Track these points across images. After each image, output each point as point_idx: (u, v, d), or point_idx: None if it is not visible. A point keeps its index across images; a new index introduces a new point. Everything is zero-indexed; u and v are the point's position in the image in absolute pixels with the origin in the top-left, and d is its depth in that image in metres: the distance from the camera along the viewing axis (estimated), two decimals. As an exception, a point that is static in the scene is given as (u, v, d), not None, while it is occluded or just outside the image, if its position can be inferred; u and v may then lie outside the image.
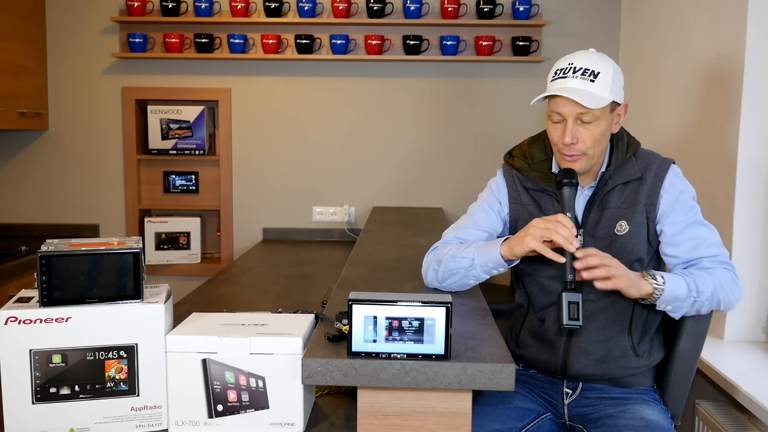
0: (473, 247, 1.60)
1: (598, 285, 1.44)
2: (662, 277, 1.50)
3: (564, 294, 1.43)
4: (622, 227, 1.59)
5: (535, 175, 1.67)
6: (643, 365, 1.63)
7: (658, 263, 1.66)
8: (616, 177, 1.61)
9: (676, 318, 1.56)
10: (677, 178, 1.60)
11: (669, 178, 1.59)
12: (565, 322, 1.42)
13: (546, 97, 1.57)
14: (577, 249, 1.45)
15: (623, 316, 1.62)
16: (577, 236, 1.47)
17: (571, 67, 1.54)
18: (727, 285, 1.53)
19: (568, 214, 1.50)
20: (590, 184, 1.64)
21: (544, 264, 1.64)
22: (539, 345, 1.69)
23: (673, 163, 1.63)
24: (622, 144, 1.63)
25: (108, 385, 1.28)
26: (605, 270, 1.42)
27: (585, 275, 1.43)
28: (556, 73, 1.57)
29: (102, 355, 1.27)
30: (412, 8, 3.25)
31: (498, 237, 1.72)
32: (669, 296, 1.49)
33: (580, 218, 1.63)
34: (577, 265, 1.44)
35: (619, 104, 1.58)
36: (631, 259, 1.58)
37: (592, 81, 1.52)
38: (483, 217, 1.73)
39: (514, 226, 1.71)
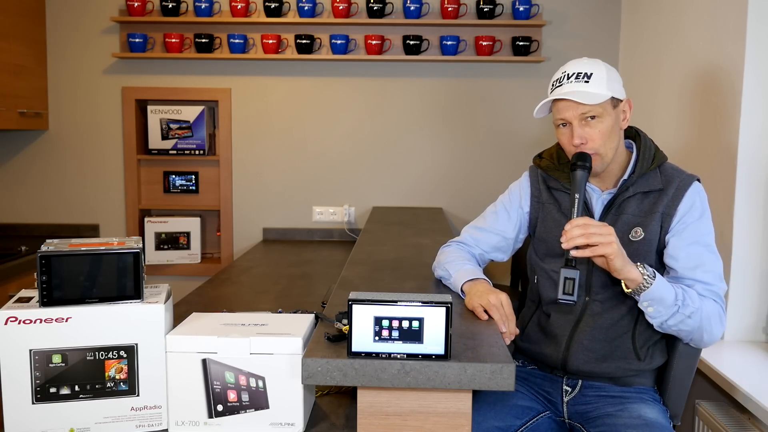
0: (459, 264, 1.70)
1: (586, 253, 1.45)
2: (655, 273, 1.50)
3: (562, 270, 1.47)
4: (637, 233, 1.61)
5: (558, 174, 1.71)
6: (644, 368, 1.64)
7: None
8: (637, 185, 1.63)
9: (655, 325, 1.55)
10: (698, 195, 1.61)
11: (690, 193, 1.60)
12: (559, 297, 1.47)
13: (550, 108, 1.64)
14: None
15: (629, 318, 1.63)
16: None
17: (564, 75, 1.62)
18: (713, 317, 1.54)
19: (576, 195, 1.53)
20: (610, 190, 1.66)
21: (555, 259, 1.69)
22: (543, 339, 1.71)
23: (698, 180, 1.63)
24: (648, 154, 1.64)
25: (108, 385, 1.28)
26: (585, 237, 1.43)
27: (564, 246, 1.46)
28: (553, 84, 1.64)
29: (102, 355, 1.27)
30: (412, 8, 3.25)
31: (511, 239, 1.80)
32: (655, 294, 1.49)
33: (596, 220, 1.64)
34: (561, 238, 1.46)
35: (621, 100, 1.62)
36: None
37: (587, 82, 1.58)
38: (496, 220, 1.81)
39: (534, 223, 1.77)
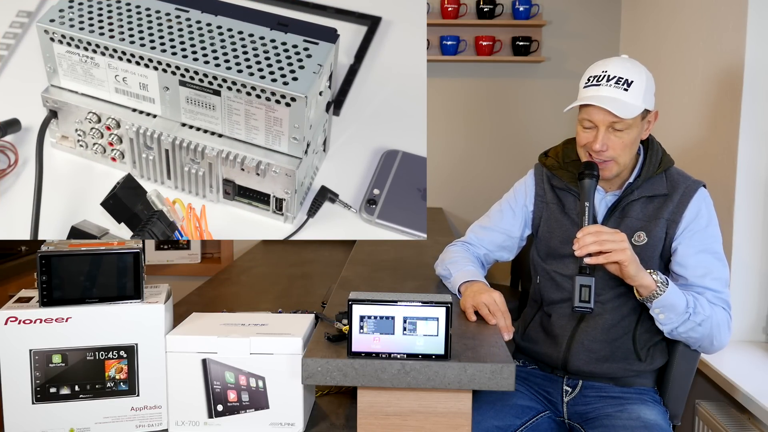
0: (461, 265, 1.70)
1: (599, 260, 1.44)
2: (668, 280, 1.50)
3: (577, 277, 1.45)
4: (641, 238, 1.60)
5: (562, 174, 1.69)
6: (644, 369, 1.64)
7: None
8: (642, 189, 1.61)
9: (665, 332, 1.55)
10: (704, 202, 1.60)
11: (696, 199, 1.59)
12: (575, 304, 1.45)
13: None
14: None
15: (630, 319, 1.62)
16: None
17: (605, 75, 1.54)
18: (722, 325, 1.54)
19: (586, 203, 1.51)
20: (614, 192, 1.65)
21: (556, 260, 1.68)
22: (544, 339, 1.70)
23: (704, 186, 1.62)
24: (655, 158, 1.63)
25: (108, 385, 1.28)
26: (599, 244, 1.42)
27: (577, 253, 1.44)
28: (589, 80, 1.57)
29: (102, 355, 1.27)
30: (412, 8, 3.25)
31: (516, 237, 1.79)
32: (667, 301, 1.49)
33: (599, 223, 1.63)
34: (574, 246, 1.45)
35: (650, 111, 1.58)
36: None
37: (626, 90, 1.51)
38: (501, 218, 1.80)
39: (537, 223, 1.75)
